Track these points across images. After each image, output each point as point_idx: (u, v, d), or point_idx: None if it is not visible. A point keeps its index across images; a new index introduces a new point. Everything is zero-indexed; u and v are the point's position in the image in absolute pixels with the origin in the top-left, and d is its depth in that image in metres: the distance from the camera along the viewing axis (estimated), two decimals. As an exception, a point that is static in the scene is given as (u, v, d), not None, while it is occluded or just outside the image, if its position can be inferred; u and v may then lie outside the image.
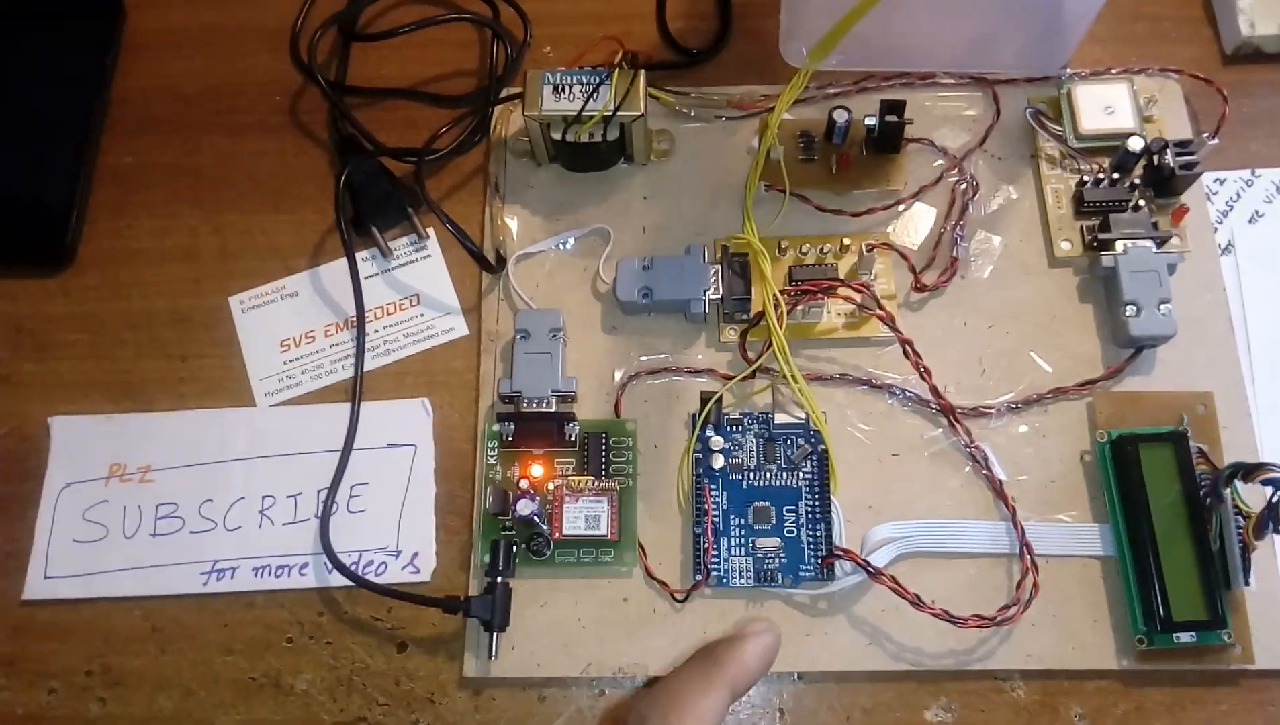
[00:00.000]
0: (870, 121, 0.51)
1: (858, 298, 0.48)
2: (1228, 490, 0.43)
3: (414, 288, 0.53)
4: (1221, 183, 0.53)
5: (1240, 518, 0.44)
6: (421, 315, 0.52)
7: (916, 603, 0.44)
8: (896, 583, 0.44)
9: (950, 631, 0.45)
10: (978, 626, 0.44)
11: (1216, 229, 0.52)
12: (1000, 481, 0.47)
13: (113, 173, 0.57)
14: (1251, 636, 0.44)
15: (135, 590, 0.49)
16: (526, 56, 0.57)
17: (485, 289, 0.52)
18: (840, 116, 0.51)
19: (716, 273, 0.50)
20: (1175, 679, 0.45)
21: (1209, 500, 0.45)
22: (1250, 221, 0.52)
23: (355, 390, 0.50)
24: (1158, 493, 0.45)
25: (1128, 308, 0.48)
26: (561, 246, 0.53)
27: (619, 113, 0.49)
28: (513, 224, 0.53)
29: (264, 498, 0.50)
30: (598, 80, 0.49)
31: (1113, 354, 0.49)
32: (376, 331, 0.52)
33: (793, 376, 0.47)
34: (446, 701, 0.46)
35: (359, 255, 0.53)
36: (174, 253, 0.55)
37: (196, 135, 0.57)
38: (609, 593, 0.47)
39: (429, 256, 0.54)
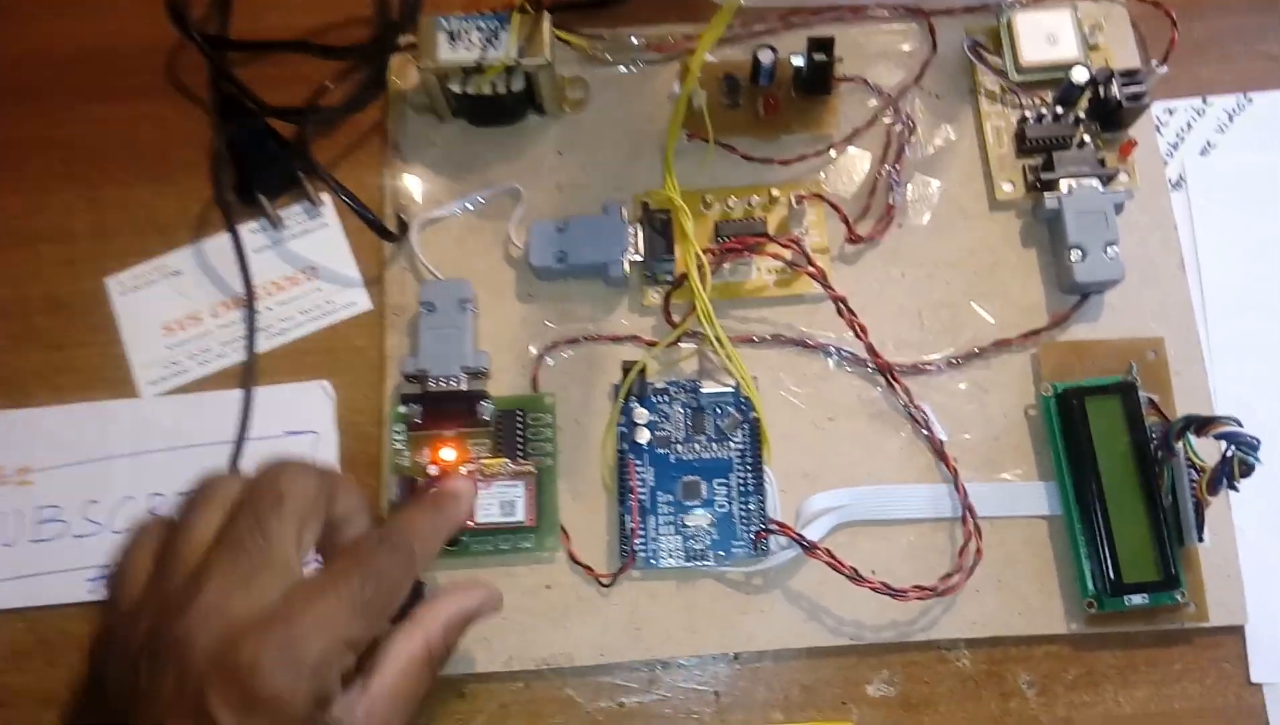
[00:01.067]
0: (798, 61, 0.47)
1: (787, 254, 0.45)
2: (1180, 444, 0.41)
3: (309, 260, 0.49)
4: (1171, 113, 0.50)
5: (1194, 472, 0.41)
6: (319, 290, 0.48)
7: (855, 577, 0.41)
8: (833, 556, 0.41)
9: (891, 602, 0.42)
10: (919, 598, 0.41)
11: (1167, 163, 0.49)
12: (941, 442, 0.44)
13: (-27, 145, 0.52)
14: (1205, 594, 0.42)
15: (17, 601, 0.45)
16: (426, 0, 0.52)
17: (388, 259, 0.48)
18: (765, 57, 0.47)
19: (636, 232, 0.46)
20: (1127, 641, 0.43)
21: (1160, 454, 0.42)
22: (1202, 153, 0.49)
23: (247, 374, 0.46)
24: (1106, 447, 0.43)
25: (1073, 252, 0.45)
26: (469, 208, 0.49)
27: (522, 61, 0.45)
28: (415, 186, 0.49)
29: (153, 496, 0.46)
30: (496, 25, 0.45)
31: (1058, 301, 0.46)
32: (270, 309, 0.48)
33: (719, 340, 0.43)
34: (362, 704, 0.43)
35: (248, 226, 0.49)
36: (46, 232, 0.50)
37: (69, 102, 0.52)
38: (530, 580, 0.44)
39: (325, 225, 0.49)
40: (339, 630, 0.31)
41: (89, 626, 0.44)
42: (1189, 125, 0.50)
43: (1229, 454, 0.39)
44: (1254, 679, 0.43)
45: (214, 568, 0.31)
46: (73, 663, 0.44)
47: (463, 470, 0.44)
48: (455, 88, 0.46)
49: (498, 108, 0.48)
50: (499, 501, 0.43)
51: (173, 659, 0.30)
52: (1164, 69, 0.46)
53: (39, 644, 0.45)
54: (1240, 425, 0.39)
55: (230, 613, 0.30)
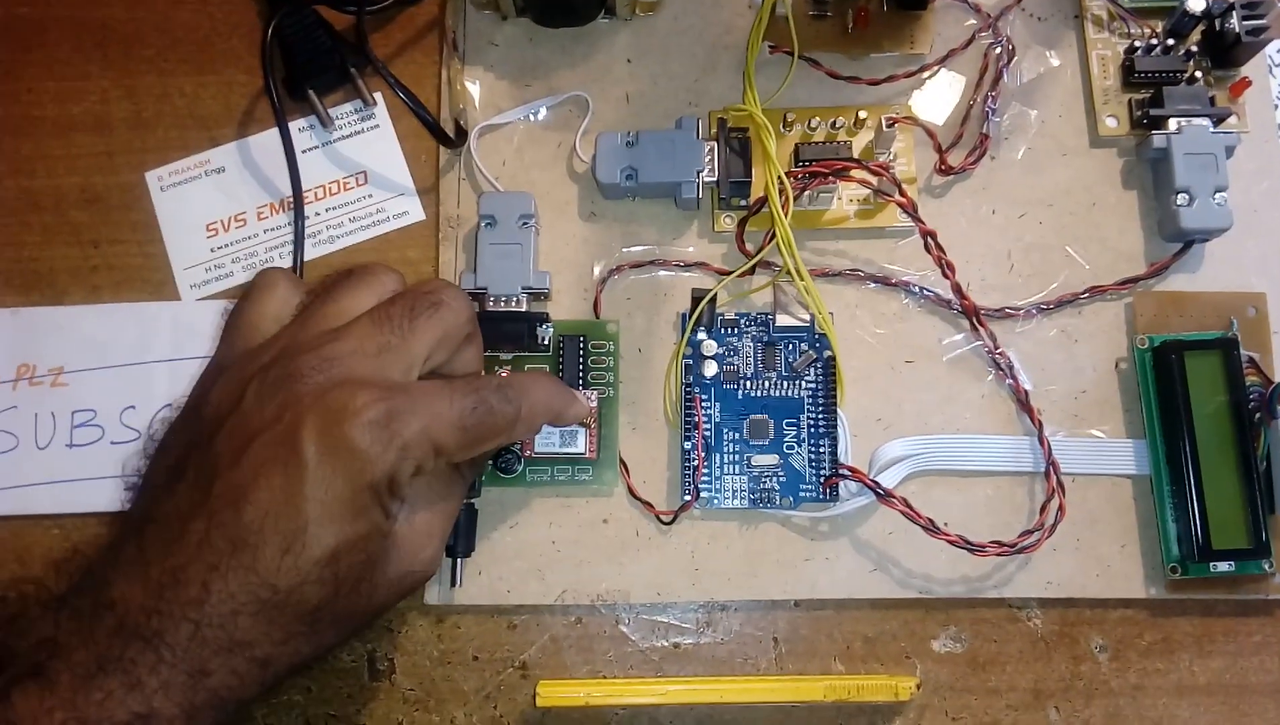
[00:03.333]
0: (893, -30, 0.44)
1: (875, 181, 0.42)
2: (1283, 406, 0.39)
3: (361, 164, 0.46)
4: (1287, 52, 0.47)
5: (1294, 437, 0.39)
6: (370, 196, 0.45)
7: (930, 528, 0.39)
8: (908, 505, 0.39)
9: (963, 557, 0.40)
10: (997, 554, 0.40)
11: (1277, 106, 0.46)
12: (1026, 392, 0.42)
13: (5, 27, 0.48)
14: (1293, 565, 0.40)
15: (52, 507, 0.43)
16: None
17: (444, 167, 0.45)
18: (859, -35, 0.43)
19: (712, 151, 0.43)
20: (1205, 609, 0.41)
21: (1258, 416, 0.40)
22: (1316, 98, 0.46)
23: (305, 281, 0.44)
24: (1201, 406, 0.40)
25: (1179, 196, 0.42)
26: (532, 117, 0.46)
27: (597, -46, 0.41)
28: (474, 90, 0.46)
29: (194, 404, 0.44)
30: (571, -87, 0.41)
31: (1157, 248, 0.44)
32: (318, 214, 0.45)
33: (798, 272, 0.41)
34: (406, 630, 0.42)
35: (296, 124, 0.46)
36: (82, 121, 0.47)
37: (103, -20, 0.49)
38: (587, 513, 0.42)
39: (377, 126, 0.46)
40: (437, 430, 0.32)
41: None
42: (1306, 66, 0.47)
43: (1341, 421, 0.37)
44: (1335, 654, 0.41)
45: (353, 330, 0.32)
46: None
47: None
48: (523, -20, 0.42)
49: (565, 5, 0.44)
50: (559, 431, 0.41)
51: (284, 387, 0.31)
52: (1291, 1, 0.43)
53: (73, 552, 0.42)
54: (1357, 391, 0.36)
55: (353, 368, 0.31)
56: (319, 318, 0.34)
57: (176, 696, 0.29)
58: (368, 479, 0.30)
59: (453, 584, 0.41)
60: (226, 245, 0.45)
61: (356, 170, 0.46)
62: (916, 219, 0.41)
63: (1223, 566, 0.40)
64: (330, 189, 0.46)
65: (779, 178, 0.41)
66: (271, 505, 0.29)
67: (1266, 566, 0.40)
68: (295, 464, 0.29)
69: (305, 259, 0.45)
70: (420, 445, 0.31)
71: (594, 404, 0.42)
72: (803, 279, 0.41)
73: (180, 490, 0.31)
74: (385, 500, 0.31)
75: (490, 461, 0.41)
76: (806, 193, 0.43)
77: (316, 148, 0.46)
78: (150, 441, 0.34)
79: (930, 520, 0.39)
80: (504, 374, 0.41)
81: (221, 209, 0.46)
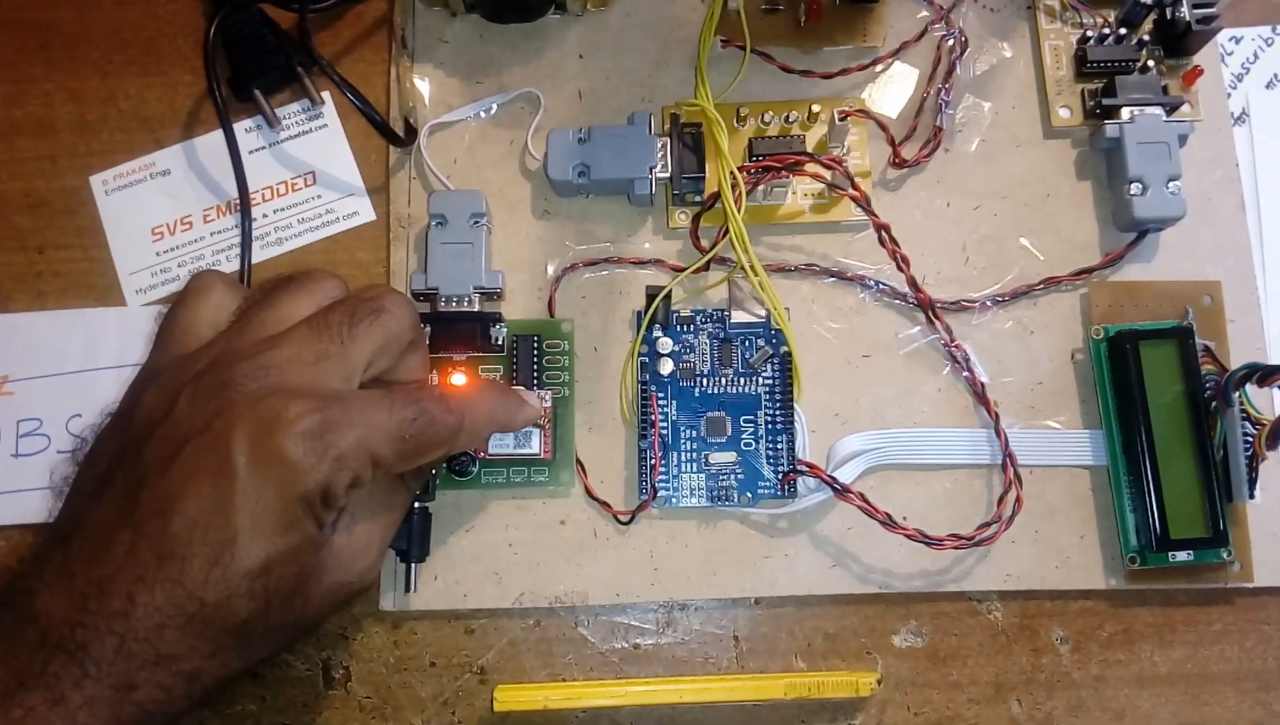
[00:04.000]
0: (844, -37, 0.43)
1: (828, 175, 0.42)
2: (1237, 394, 0.39)
3: (309, 164, 0.45)
4: (1237, 42, 0.47)
5: (1249, 425, 0.39)
6: (319, 196, 0.45)
7: (888, 523, 0.39)
8: (866, 500, 0.39)
9: (922, 551, 0.40)
10: (955, 547, 0.39)
11: (1230, 95, 0.46)
12: (982, 384, 0.42)
13: (-55, 27, 0.47)
14: (1252, 553, 0.40)
15: (-3, 519, 0.42)
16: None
17: (394, 166, 0.45)
18: (809, -43, 0.43)
19: (665, 146, 0.43)
20: (1166, 599, 0.41)
21: (1215, 405, 0.40)
22: (1268, 86, 0.46)
23: (243, 284, 0.43)
24: (1157, 396, 0.40)
25: (1133, 185, 0.42)
26: (483, 114, 0.45)
27: (545, -51, 0.41)
28: (424, 87, 0.45)
29: (142, 411, 0.43)
30: (518, -92, 0.41)
31: (1112, 238, 0.43)
32: (265, 216, 0.44)
33: (753, 268, 0.40)
34: (361, 637, 0.41)
35: (243, 125, 0.45)
36: (25, 125, 0.46)
37: (47, -19, 0.48)
38: (544, 515, 0.42)
39: (325, 126, 0.46)
40: (374, 441, 0.31)
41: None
42: (1255, 55, 0.47)
43: (1294, 407, 0.37)
44: (1295, 641, 0.41)
45: (291, 338, 0.32)
46: (55, 585, 0.42)
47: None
48: (472, -22, 0.42)
49: (515, 1, 0.44)
50: (513, 432, 0.41)
51: (217, 394, 0.30)
52: (1239, -10, 0.43)
53: (21, 563, 0.42)
54: (1309, 377, 0.36)
55: (290, 376, 0.31)
56: (256, 324, 0.33)
57: (102, 712, 0.28)
58: (300, 491, 0.29)
59: (407, 589, 0.40)
60: (172, 249, 0.44)
61: (305, 170, 0.45)
62: (870, 212, 0.41)
63: (1181, 556, 0.39)
64: (278, 190, 0.45)
65: (731, 173, 0.41)
66: (200, 516, 0.29)
67: (1225, 555, 0.40)
68: (225, 474, 0.29)
69: (253, 261, 0.44)
70: (356, 457, 0.31)
71: (548, 404, 0.41)
72: (757, 275, 0.40)
73: (108, 499, 0.30)
74: (319, 512, 0.31)
75: (445, 465, 0.41)
76: (760, 187, 0.43)
77: (264, 148, 0.45)
78: (81, 447, 0.33)
79: (888, 515, 0.39)
80: (458, 375, 0.41)
81: (167, 212, 0.45)
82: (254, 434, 0.29)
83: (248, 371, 0.30)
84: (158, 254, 0.44)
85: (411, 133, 0.44)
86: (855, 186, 0.41)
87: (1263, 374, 0.38)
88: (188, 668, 0.29)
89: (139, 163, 0.45)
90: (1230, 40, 0.47)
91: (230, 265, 0.44)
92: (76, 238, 0.45)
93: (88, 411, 0.43)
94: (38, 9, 0.47)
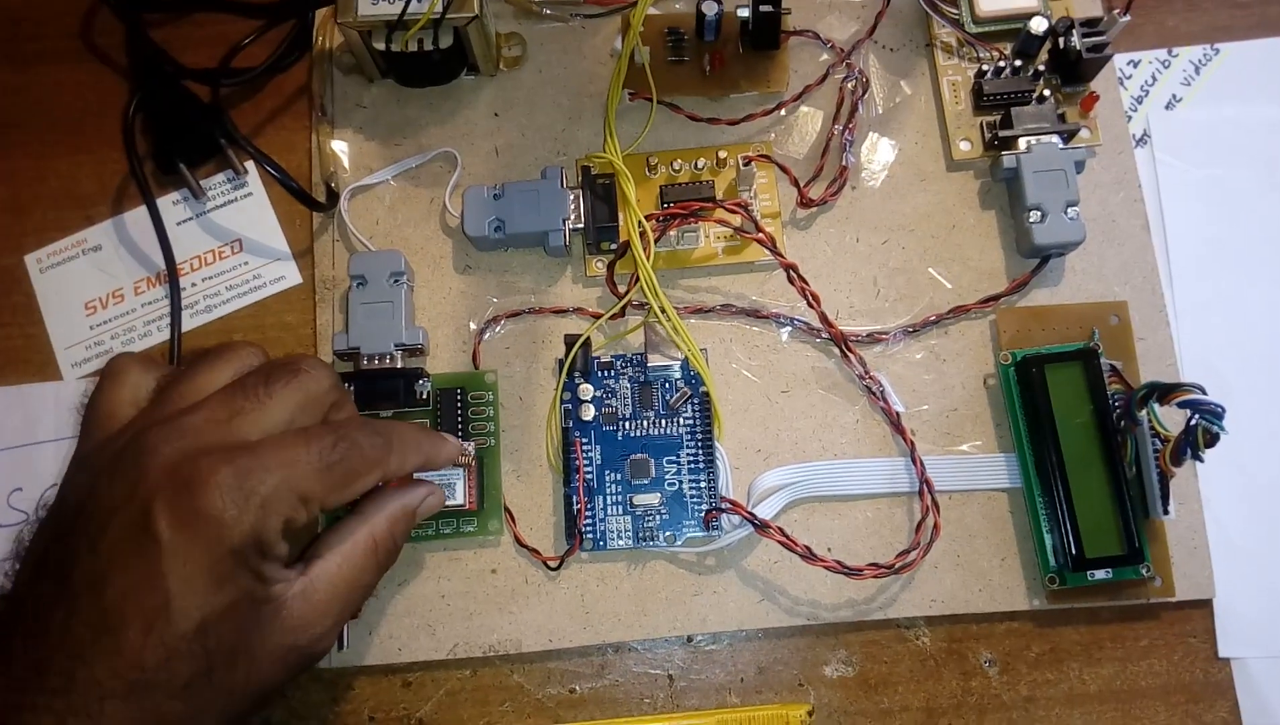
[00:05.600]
0: (743, 14, 0.45)
1: (735, 220, 0.43)
2: (1143, 412, 0.39)
3: (235, 232, 0.46)
4: (1135, 65, 0.48)
5: (1158, 441, 0.40)
6: (246, 263, 0.46)
7: (808, 555, 0.40)
8: (785, 535, 0.40)
9: (848, 581, 0.41)
10: (875, 576, 0.40)
11: (1130, 118, 0.47)
12: (898, 414, 0.42)
13: (-120, 117, 0.49)
14: (1172, 567, 0.41)
15: (-63, 596, 0.43)
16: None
17: (318, 229, 0.46)
18: (709, 9, 0.44)
19: (577, 198, 0.44)
20: (1091, 617, 0.42)
21: (1123, 423, 0.41)
22: (1167, 107, 0.47)
23: (173, 354, 0.44)
24: (1066, 417, 0.41)
25: (1031, 213, 0.43)
26: (401, 175, 0.46)
27: (448, 15, 0.42)
28: (345, 151, 0.46)
29: (79, 483, 0.44)
30: (422, -23, 0.42)
31: (1018, 265, 0.45)
32: (195, 285, 0.46)
33: (664, 311, 0.41)
34: (299, 694, 0.42)
35: (170, 197, 0.46)
36: (-40, 206, 0.47)
37: (-24, 67, 0.49)
38: (475, 565, 0.42)
39: (250, 194, 0.47)
40: (297, 478, 0.31)
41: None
42: (1154, 78, 0.48)
43: (1193, 423, 0.37)
44: (1222, 654, 0.41)
45: (207, 402, 0.32)
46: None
47: None
48: (380, 45, 0.43)
49: (427, 67, 0.45)
50: (437, 484, 0.41)
51: (135, 464, 0.30)
52: (1127, 18, 0.44)
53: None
54: (1204, 393, 0.37)
55: (203, 436, 0.31)
56: (175, 396, 0.33)
57: None
58: (229, 545, 0.30)
59: (340, 647, 0.41)
60: (106, 322, 0.45)
61: (231, 238, 0.46)
62: (777, 253, 0.42)
63: (1100, 574, 0.40)
64: (206, 259, 0.46)
65: (639, 222, 0.42)
66: (130, 586, 0.29)
67: (1144, 571, 0.40)
68: (150, 541, 0.29)
69: (184, 329, 0.45)
70: (281, 498, 0.31)
71: (471, 453, 0.42)
72: (669, 318, 0.41)
73: (42, 584, 0.30)
74: (254, 563, 0.31)
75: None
76: (673, 232, 0.44)
77: (191, 219, 0.46)
78: (26, 522, 0.34)
79: (808, 548, 0.40)
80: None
81: (100, 286, 0.46)
82: (173, 497, 0.29)
83: (163, 435, 0.31)
84: (91, 327, 0.45)
85: (333, 197, 0.45)
86: (760, 229, 0.42)
87: (1162, 392, 0.38)
88: None
89: (71, 240, 0.46)
90: (1128, 64, 0.48)
91: (161, 335, 0.45)
92: (13, 316, 0.46)
93: (28, 485, 0.44)
94: (-30, 94, 0.49)
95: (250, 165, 0.47)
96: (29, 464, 0.44)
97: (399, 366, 0.42)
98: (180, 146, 0.46)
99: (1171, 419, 0.39)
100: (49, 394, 0.45)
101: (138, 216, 0.46)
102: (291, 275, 0.46)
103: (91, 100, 0.48)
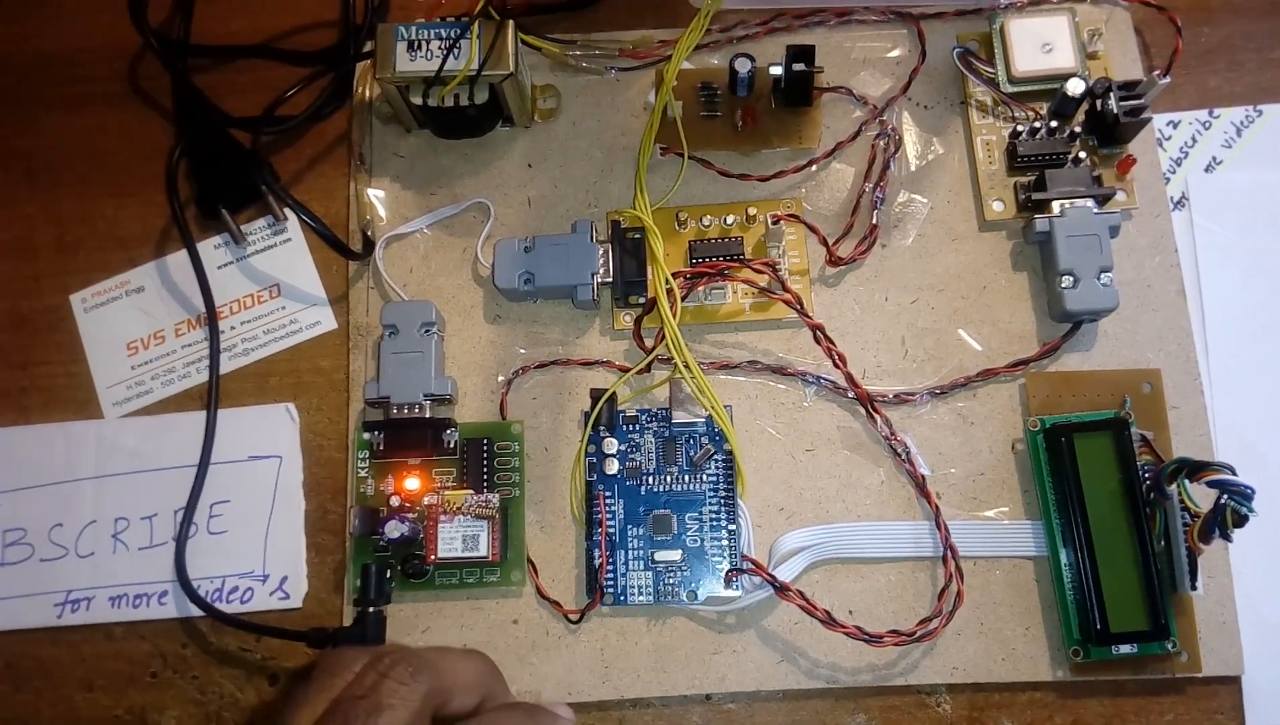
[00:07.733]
0: (776, 71, 0.45)
1: (762, 280, 0.43)
2: (1173, 487, 0.39)
3: (274, 276, 0.47)
4: (1175, 126, 0.47)
5: (1188, 516, 0.39)
6: (283, 308, 0.47)
7: (828, 621, 0.40)
8: (805, 598, 0.40)
9: (869, 646, 0.40)
10: (895, 644, 0.40)
11: (1169, 180, 0.46)
12: (923, 477, 0.42)
13: (-65, 157, 0.50)
14: (1199, 642, 0.40)
15: (-18, 626, 0.44)
16: (391, 3, 0.50)
17: (353, 276, 0.47)
18: (742, 66, 0.45)
19: (606, 252, 0.44)
20: (1115, 689, 0.41)
21: (1152, 496, 0.40)
22: (1207, 170, 0.47)
23: (211, 396, 0.45)
24: (1095, 487, 0.40)
25: (1063, 278, 0.42)
26: (436, 224, 0.47)
27: (484, 71, 0.43)
28: (380, 200, 0.47)
29: (117, 520, 0.45)
30: (457, 33, 0.43)
31: (1049, 329, 0.44)
32: (233, 328, 0.47)
33: (688, 367, 0.42)
34: (323, 738, 0.42)
35: (211, 241, 0.48)
36: (9, 247, 0.49)
37: (29, 110, 0.51)
38: (496, 615, 0.43)
39: (289, 240, 0.48)
40: None
41: (56, 651, 0.44)
42: (1194, 139, 0.47)
43: (1222, 502, 0.37)
44: (1248, 731, 0.41)
45: None
46: (40, 688, 0.44)
47: (427, 500, 0.42)
48: (416, 99, 0.44)
49: (463, 120, 0.46)
50: (461, 536, 0.42)
51: None
52: (1166, 80, 0.43)
53: (5, 669, 0.44)
54: (1234, 473, 0.37)
55: None
56: None
57: None
58: None
59: (363, 692, 0.41)
60: (147, 362, 0.47)
61: (270, 283, 0.47)
62: (803, 314, 0.42)
63: (1125, 649, 0.40)
64: (245, 302, 0.47)
65: (666, 279, 0.42)
66: None
67: (1170, 646, 0.40)
68: None
69: (222, 372, 0.46)
70: None
71: (496, 506, 0.42)
72: (694, 375, 0.42)
73: None
74: None
75: (399, 567, 0.42)
76: (700, 288, 0.44)
77: (231, 263, 0.47)
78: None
79: (828, 612, 0.40)
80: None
81: (141, 327, 0.47)
82: None
83: None
84: (132, 367, 0.47)
85: (369, 245, 0.46)
86: (786, 290, 0.42)
87: (1192, 469, 0.38)
88: None
89: (115, 281, 0.48)
90: (1168, 125, 0.47)
91: (200, 377, 0.46)
92: (56, 353, 0.47)
93: (69, 521, 0.45)
94: (19, 135, 0.50)
95: (289, 211, 0.48)
96: (70, 500, 0.45)
97: (428, 416, 0.43)
98: (222, 192, 0.47)
99: (1202, 494, 0.39)
100: (90, 432, 0.46)
101: (179, 259, 0.47)
102: (327, 320, 0.47)
103: (137, 144, 0.50)
